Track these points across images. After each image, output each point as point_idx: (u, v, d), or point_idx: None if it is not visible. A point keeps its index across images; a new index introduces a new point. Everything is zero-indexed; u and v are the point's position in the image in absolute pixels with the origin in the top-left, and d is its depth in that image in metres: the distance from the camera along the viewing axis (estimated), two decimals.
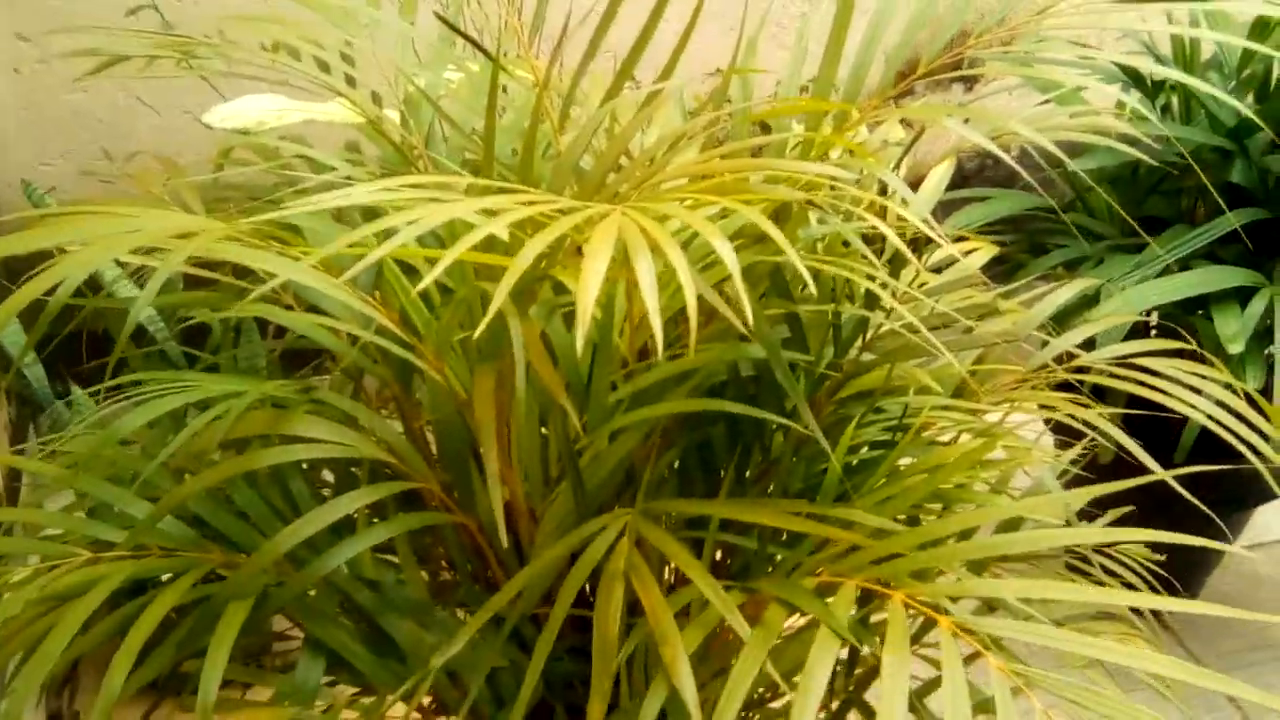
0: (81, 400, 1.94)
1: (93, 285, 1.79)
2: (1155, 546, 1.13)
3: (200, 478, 0.91)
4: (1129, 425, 1.20)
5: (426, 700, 1.06)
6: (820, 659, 0.79)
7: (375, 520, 1.00)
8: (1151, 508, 1.24)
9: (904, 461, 1.02)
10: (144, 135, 2.15)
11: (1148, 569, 1.24)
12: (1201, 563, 2.27)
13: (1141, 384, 1.20)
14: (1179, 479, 1.15)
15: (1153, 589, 1.17)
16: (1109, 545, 1.22)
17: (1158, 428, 1.50)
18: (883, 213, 0.99)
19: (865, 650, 0.88)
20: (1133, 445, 1.15)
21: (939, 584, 0.83)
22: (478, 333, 0.72)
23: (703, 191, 0.78)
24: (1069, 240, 2.08)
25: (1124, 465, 1.19)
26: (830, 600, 0.84)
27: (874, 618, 0.89)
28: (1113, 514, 1.33)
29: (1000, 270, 1.96)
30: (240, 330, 1.62)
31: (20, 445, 2.26)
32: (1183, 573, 2.18)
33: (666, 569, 1.08)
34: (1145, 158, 2.00)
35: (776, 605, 0.84)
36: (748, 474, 1.04)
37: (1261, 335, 1.85)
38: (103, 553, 0.96)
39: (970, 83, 2.83)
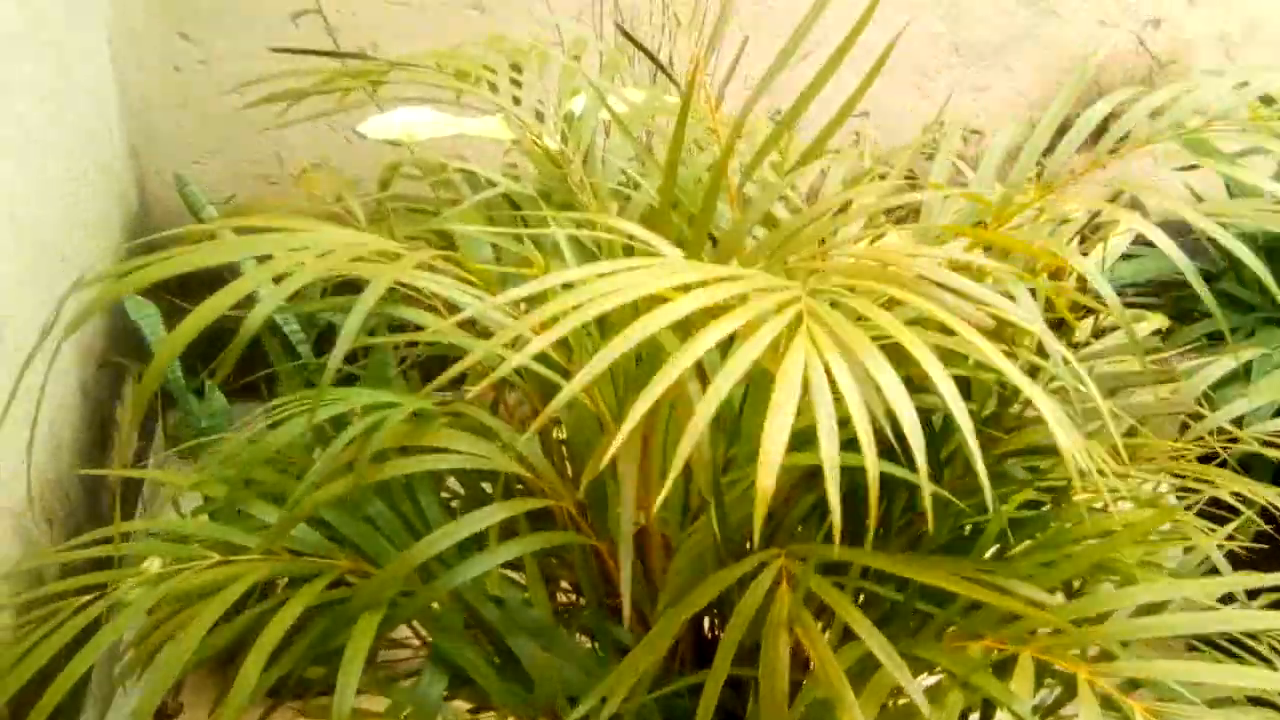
0: (214, 396, 1.97)
1: (232, 276, 1.83)
2: None
3: (334, 485, 0.91)
4: None
5: None
6: None
7: (505, 535, 0.99)
8: None
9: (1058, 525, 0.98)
10: (295, 140, 2.19)
11: None
12: None
13: None
14: None
15: None
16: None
17: None
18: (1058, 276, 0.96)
19: None
20: None
21: (1120, 664, 0.79)
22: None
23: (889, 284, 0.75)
24: (1221, 309, 2.00)
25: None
26: (1011, 682, 0.80)
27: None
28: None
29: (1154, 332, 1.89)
30: (371, 334, 1.63)
31: (150, 436, 2.31)
32: None
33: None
34: None
35: (953, 684, 0.80)
36: (893, 522, 1.01)
37: None
38: (234, 556, 0.96)
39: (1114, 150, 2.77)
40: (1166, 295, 2.14)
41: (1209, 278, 2.11)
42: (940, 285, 0.72)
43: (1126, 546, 0.92)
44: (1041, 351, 0.98)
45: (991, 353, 0.68)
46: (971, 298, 0.72)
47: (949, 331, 0.70)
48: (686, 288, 0.70)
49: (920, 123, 2.36)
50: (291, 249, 0.87)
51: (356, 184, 1.25)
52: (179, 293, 2.12)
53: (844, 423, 0.75)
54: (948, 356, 0.95)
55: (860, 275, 0.74)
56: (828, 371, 0.65)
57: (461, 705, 1.06)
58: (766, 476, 0.63)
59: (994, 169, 1.12)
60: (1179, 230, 1.13)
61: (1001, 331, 0.99)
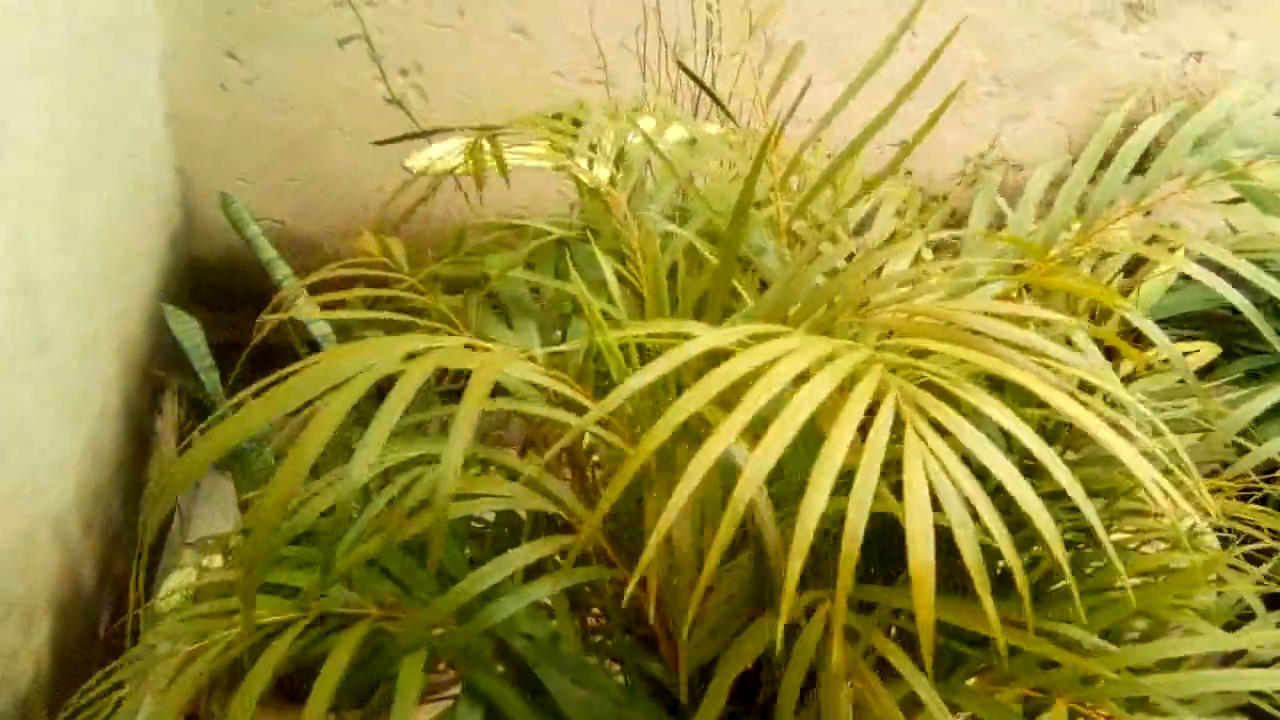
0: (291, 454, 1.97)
1: (270, 285, 1.85)
2: None
3: (370, 544, 0.91)
4: None
5: None
6: None
7: (535, 570, 1.00)
8: None
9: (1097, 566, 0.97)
10: (338, 159, 2.22)
11: None
12: None
13: None
14: None
15: None
16: None
17: None
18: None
19: None
20: None
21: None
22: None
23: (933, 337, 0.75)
24: (1260, 343, 1.99)
25: None
26: None
27: None
28: None
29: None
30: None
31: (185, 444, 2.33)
32: None
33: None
34: None
35: None
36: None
37: None
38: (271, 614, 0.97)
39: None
40: (1209, 328, 2.12)
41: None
42: (1013, 345, 0.72)
43: (1163, 596, 0.91)
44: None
45: (1088, 419, 0.68)
46: (1047, 356, 0.72)
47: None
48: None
49: (961, 153, 2.36)
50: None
51: (413, 249, 1.26)
52: (223, 304, 2.15)
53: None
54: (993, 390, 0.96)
55: (925, 334, 0.74)
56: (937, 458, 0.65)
57: None
58: (923, 591, 0.63)
59: (1033, 206, 1.12)
60: (1219, 264, 1.13)
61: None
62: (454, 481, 0.76)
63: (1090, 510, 0.66)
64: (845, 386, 0.70)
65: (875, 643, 0.82)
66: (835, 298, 0.78)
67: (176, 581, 1.78)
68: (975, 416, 0.70)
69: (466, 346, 0.83)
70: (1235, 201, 2.15)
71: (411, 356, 0.82)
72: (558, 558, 1.06)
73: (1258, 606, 1.02)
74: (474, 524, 1.16)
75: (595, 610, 1.16)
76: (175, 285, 2.21)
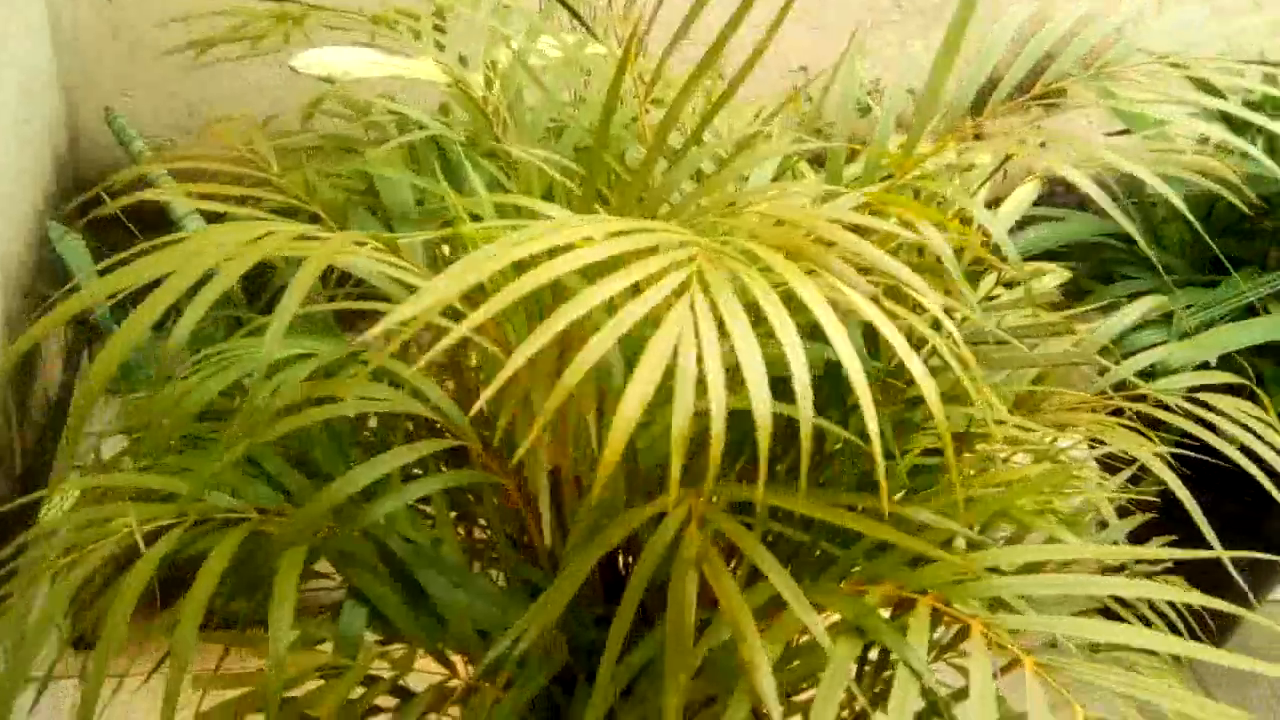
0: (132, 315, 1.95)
1: (164, 216, 1.81)
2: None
3: (244, 443, 0.92)
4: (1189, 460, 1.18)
5: (455, 656, 1.06)
6: (900, 703, 0.78)
7: (417, 473, 1.01)
8: (1194, 538, 1.22)
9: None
10: (226, 76, 2.17)
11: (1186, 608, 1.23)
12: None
13: (1195, 419, 1.18)
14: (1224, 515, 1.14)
15: (1190, 623, 1.15)
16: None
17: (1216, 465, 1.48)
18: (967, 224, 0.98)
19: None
20: (1177, 485, 1.13)
21: (1013, 617, 0.83)
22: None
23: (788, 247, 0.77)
24: (1139, 271, 2.06)
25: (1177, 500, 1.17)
26: (908, 628, 0.83)
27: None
28: (1158, 544, 1.31)
29: (1067, 296, 1.94)
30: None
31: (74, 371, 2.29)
32: (1221, 615, 2.15)
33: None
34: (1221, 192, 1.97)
35: (847, 628, 0.83)
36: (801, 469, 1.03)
37: None
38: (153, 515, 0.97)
39: (1048, 105, 2.81)
40: (1091, 258, 2.18)
41: (1128, 241, 2.15)
42: (837, 246, 0.74)
43: (1022, 498, 0.95)
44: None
45: (876, 316, 0.70)
46: (865, 261, 0.74)
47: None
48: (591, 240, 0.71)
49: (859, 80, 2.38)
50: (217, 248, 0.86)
51: (270, 123, 1.25)
52: (108, 224, 2.10)
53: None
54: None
55: (763, 232, 0.76)
56: (721, 321, 0.67)
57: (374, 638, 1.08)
58: (680, 437, 0.66)
59: (894, 119, 1.11)
60: (1110, 197, 1.16)
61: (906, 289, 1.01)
62: (320, 380, 0.77)
63: (919, 367, 0.69)
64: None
65: (731, 534, 0.85)
66: (701, 201, 0.80)
67: (61, 503, 1.76)
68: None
69: (305, 237, 0.83)
70: (1123, 133, 2.22)
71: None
72: (444, 467, 1.07)
73: (1111, 516, 1.07)
74: (364, 434, 1.17)
75: (481, 522, 1.18)
76: (62, 206, 2.16)
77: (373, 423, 1.16)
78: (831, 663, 0.81)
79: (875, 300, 0.70)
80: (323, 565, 1.06)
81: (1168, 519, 1.28)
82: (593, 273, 0.74)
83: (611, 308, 0.75)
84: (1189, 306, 1.86)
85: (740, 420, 1.01)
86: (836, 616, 0.91)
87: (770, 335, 0.71)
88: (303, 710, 0.94)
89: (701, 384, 0.72)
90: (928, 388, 0.70)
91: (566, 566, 0.94)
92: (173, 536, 0.94)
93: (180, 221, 1.81)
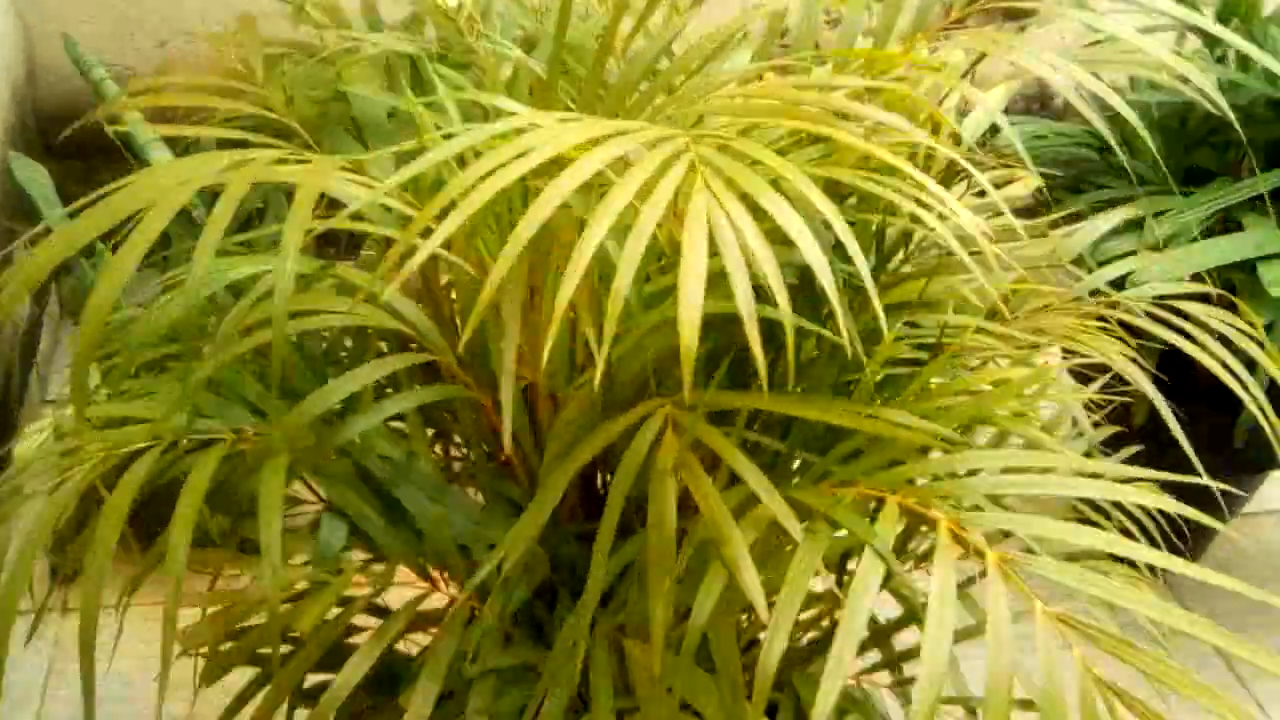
0: (108, 259, 1.93)
1: (126, 144, 1.78)
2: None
3: (217, 356, 0.91)
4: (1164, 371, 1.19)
5: (436, 571, 1.07)
6: (863, 583, 0.79)
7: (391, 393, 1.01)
8: (1165, 459, 1.24)
9: (935, 381, 1.01)
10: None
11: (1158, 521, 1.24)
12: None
13: (1167, 325, 1.19)
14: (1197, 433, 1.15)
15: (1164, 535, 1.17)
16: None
17: (1190, 377, 1.48)
18: (936, 132, 0.97)
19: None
20: (1149, 387, 1.14)
21: (982, 515, 0.83)
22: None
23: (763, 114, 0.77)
24: (1111, 181, 2.06)
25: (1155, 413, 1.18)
26: (877, 522, 0.83)
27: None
28: (1125, 453, 1.33)
29: (1038, 206, 1.93)
30: (268, 206, 1.61)
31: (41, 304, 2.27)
32: (1192, 527, 2.19)
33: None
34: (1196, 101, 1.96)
35: (819, 520, 0.84)
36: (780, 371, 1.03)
37: None
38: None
39: (1019, 19, 2.79)
40: (1065, 171, 2.18)
41: (1101, 150, 2.15)
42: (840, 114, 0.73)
43: (998, 403, 0.96)
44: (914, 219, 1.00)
45: (906, 166, 0.70)
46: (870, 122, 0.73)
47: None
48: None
49: None
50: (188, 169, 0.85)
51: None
52: (73, 155, 2.07)
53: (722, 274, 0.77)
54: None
55: (748, 113, 0.75)
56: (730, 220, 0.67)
57: (358, 556, 1.08)
58: (689, 328, 0.66)
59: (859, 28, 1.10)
60: (1074, 109, 1.15)
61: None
62: (292, 297, 0.76)
63: (861, 261, 0.69)
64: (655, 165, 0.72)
65: (706, 439, 0.85)
66: (667, 103, 0.79)
67: (36, 437, 1.75)
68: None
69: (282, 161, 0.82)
70: (1096, 43, 2.20)
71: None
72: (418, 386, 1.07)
73: (1083, 420, 1.07)
74: (342, 354, 1.16)
75: (457, 440, 1.18)
76: (23, 138, 2.12)
77: (348, 344, 1.16)
78: (801, 551, 0.82)
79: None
80: (297, 490, 1.06)
81: (1140, 438, 1.30)
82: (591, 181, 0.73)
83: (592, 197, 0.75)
84: (1159, 214, 1.86)
85: (718, 332, 1.01)
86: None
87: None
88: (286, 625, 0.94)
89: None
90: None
91: (545, 481, 0.94)
92: (151, 457, 0.94)
93: (142, 149, 1.78)
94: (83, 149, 2.07)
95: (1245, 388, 1.15)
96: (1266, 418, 1.15)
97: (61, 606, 1.84)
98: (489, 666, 0.96)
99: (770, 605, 0.90)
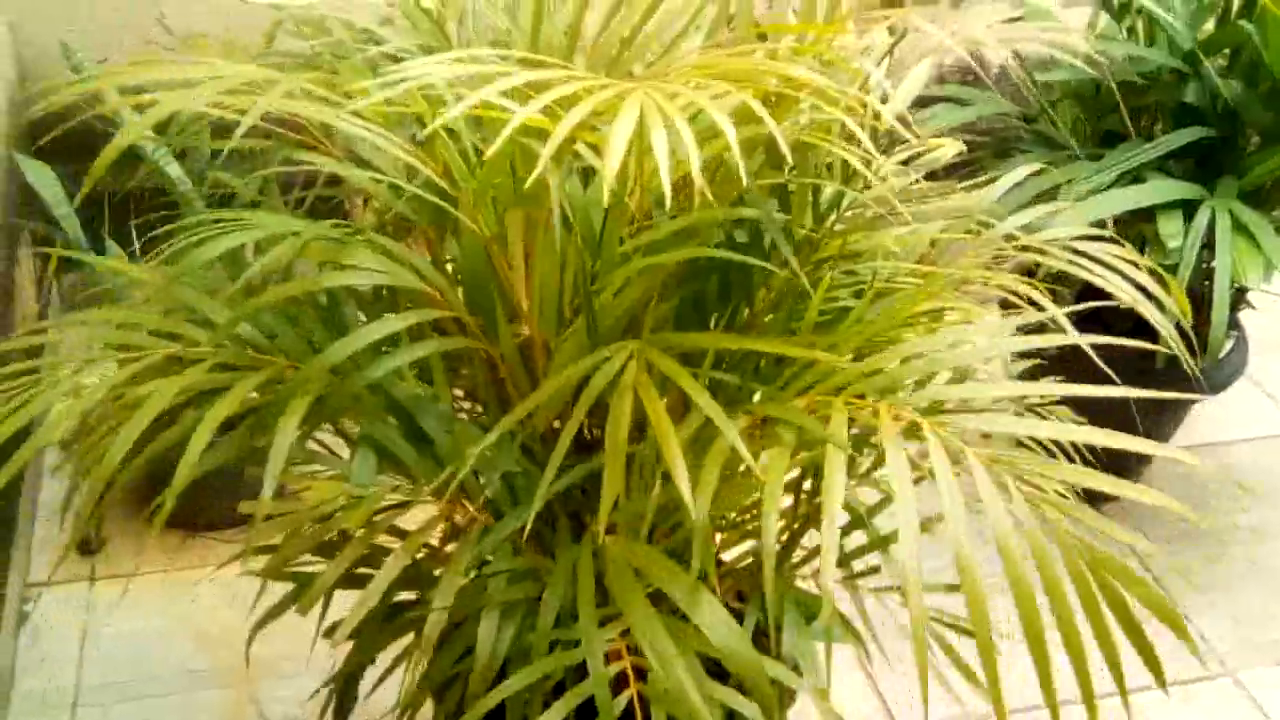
0: (116, 254, 2.06)
1: (129, 154, 1.92)
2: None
3: (271, 292, 1.08)
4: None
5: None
6: (832, 473, 0.96)
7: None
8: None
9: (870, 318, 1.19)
10: (175, 4, 2.25)
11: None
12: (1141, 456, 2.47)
13: (1079, 266, 1.36)
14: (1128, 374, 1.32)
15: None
16: (1044, 402, 1.39)
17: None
18: (864, 107, 1.15)
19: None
20: (1066, 323, 1.32)
21: (914, 395, 1.01)
22: (530, 181, 0.88)
23: (709, 76, 0.94)
24: (1034, 147, 2.25)
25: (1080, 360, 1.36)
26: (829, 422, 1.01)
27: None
28: (1052, 386, 1.51)
29: (967, 172, 2.12)
30: (262, 191, 1.76)
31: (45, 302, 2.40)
32: (1122, 461, 2.38)
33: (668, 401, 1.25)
34: (1103, 76, 2.15)
35: (783, 426, 1.02)
36: (735, 322, 1.21)
37: (1202, 247, 2.03)
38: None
39: None
40: (989, 138, 2.37)
41: (1027, 120, 2.35)
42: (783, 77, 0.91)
43: (914, 327, 1.14)
44: (846, 181, 1.18)
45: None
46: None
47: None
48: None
49: None
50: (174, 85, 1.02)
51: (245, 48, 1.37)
52: (74, 158, 2.19)
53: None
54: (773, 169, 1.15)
55: (705, 75, 0.93)
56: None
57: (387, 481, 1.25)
58: (611, 173, 0.83)
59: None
60: (1008, 82, 1.30)
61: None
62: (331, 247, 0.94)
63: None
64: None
65: (664, 368, 1.02)
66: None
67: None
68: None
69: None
70: (1015, 19, 2.39)
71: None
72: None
73: (1005, 338, 1.25)
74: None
75: (465, 386, 1.35)
76: (23, 143, 2.24)
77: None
78: (772, 454, 0.99)
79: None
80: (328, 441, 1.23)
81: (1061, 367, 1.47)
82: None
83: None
84: (1071, 181, 2.06)
85: (683, 284, 1.19)
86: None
87: None
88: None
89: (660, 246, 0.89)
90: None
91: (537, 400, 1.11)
92: (199, 369, 1.10)
93: (149, 157, 1.92)
94: (83, 151, 2.19)
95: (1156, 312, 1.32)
96: (1178, 341, 1.33)
97: (90, 575, 2.00)
98: (501, 569, 1.14)
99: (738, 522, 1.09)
